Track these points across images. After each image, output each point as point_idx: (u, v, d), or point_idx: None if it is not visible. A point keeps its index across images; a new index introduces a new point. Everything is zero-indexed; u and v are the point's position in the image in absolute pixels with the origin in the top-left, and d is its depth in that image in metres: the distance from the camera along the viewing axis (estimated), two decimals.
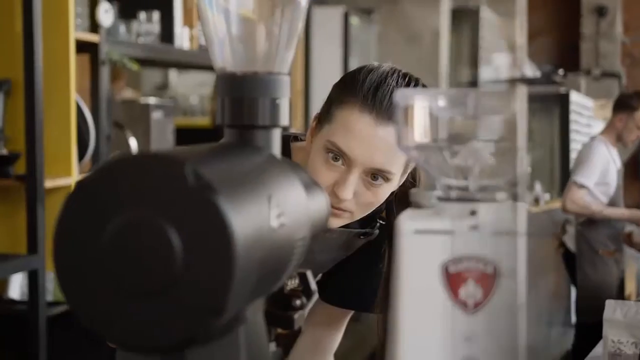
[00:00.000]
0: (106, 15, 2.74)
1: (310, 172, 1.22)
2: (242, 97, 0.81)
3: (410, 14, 5.73)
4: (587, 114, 7.64)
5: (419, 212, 0.78)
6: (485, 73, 7.28)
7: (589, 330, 4.30)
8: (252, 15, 0.83)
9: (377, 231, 1.38)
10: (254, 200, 0.68)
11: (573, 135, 7.16)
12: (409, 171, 1.30)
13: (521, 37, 5.54)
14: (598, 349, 2.27)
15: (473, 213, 0.69)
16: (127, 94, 4.40)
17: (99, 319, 0.62)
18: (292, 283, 0.83)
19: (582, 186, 4.17)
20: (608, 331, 1.86)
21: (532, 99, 5.89)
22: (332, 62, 5.42)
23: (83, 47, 2.72)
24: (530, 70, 5.63)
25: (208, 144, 0.81)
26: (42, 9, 2.48)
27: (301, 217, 0.79)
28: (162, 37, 3.19)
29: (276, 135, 0.83)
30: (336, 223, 1.27)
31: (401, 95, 0.72)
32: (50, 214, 2.47)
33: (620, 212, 4.32)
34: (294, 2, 0.84)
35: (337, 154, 1.22)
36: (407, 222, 0.70)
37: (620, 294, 4.36)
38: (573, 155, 7.12)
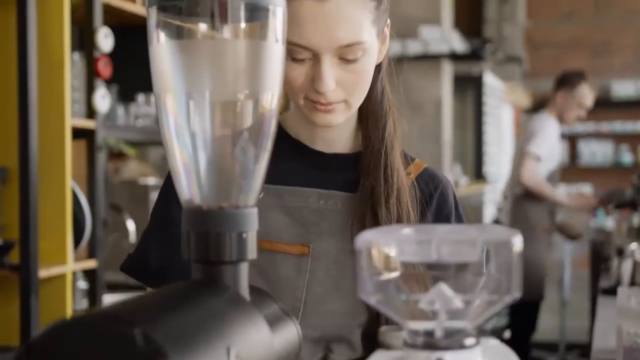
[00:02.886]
0: (103, 101, 2.75)
1: (286, 87, 1.13)
2: (208, 232, 0.80)
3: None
4: (498, 96, 7.70)
5: (388, 355, 0.76)
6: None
7: (520, 308, 4.28)
8: (218, 149, 0.82)
9: None
10: (211, 355, 0.66)
11: (485, 118, 7.21)
12: (387, 27, 1.21)
13: (446, 8, 5.56)
14: (609, 342, 2.07)
15: None
16: (132, 166, 4.40)
17: None
18: None
19: (537, 157, 4.18)
20: (623, 322, 1.68)
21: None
22: None
23: (80, 133, 2.73)
24: (459, 44, 5.63)
25: (171, 287, 0.79)
26: (38, 96, 2.49)
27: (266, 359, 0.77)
28: None
29: (243, 269, 0.81)
30: (335, 119, 1.17)
31: (362, 240, 0.71)
32: (45, 304, 2.45)
33: (558, 196, 4.33)
34: (260, 136, 0.83)
35: (299, 52, 1.11)
36: None
37: (541, 280, 4.37)
38: (486, 138, 7.18)
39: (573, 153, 10.03)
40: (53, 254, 2.57)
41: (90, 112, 2.77)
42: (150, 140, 3.26)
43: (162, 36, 0.80)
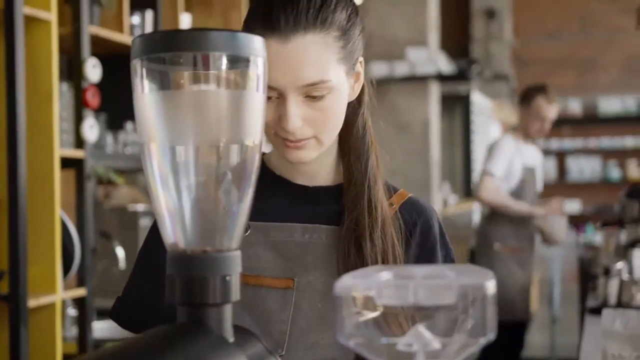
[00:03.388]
0: (91, 130, 2.77)
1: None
2: (193, 275, 0.82)
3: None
4: (486, 115, 7.74)
5: None
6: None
7: (507, 329, 4.26)
8: (201, 194, 0.84)
9: None
10: None
11: (473, 136, 7.25)
12: (360, 64, 1.22)
13: (433, 30, 5.60)
14: None
15: None
16: (123, 191, 4.41)
17: None
18: None
19: (492, 174, 4.20)
20: (608, 344, 1.71)
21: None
22: None
23: (68, 163, 2.74)
24: (446, 65, 5.66)
25: (155, 331, 0.81)
26: (27, 126, 2.51)
27: None
28: None
29: (227, 311, 0.83)
30: (306, 155, 1.19)
31: (341, 285, 0.73)
32: (34, 333, 2.45)
33: (525, 207, 4.29)
34: (243, 180, 0.85)
35: (270, 93, 1.14)
36: None
37: (524, 299, 4.33)
38: (474, 156, 7.23)
39: (561, 169, 10.10)
40: (42, 283, 2.58)
41: (79, 142, 2.78)
42: (139, 167, 3.28)
43: (147, 86, 0.82)
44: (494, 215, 4.28)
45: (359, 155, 1.26)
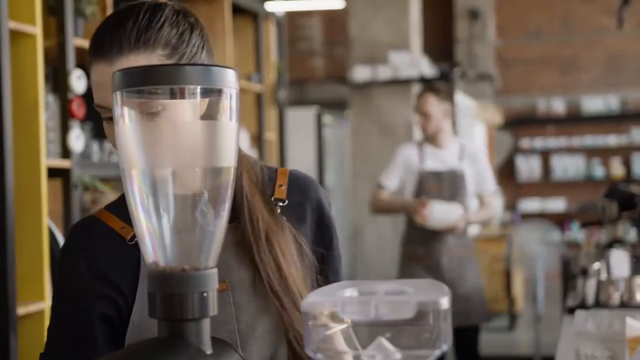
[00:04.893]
0: (77, 141, 2.82)
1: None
2: (172, 292, 0.88)
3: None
4: (470, 115, 7.80)
5: None
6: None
7: (460, 333, 4.22)
8: (179, 216, 0.90)
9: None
10: None
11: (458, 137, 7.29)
12: None
13: (415, 33, 5.64)
14: None
15: None
16: (110, 198, 4.46)
17: None
18: None
19: (380, 186, 4.15)
20: (580, 345, 1.73)
21: None
22: (307, 159, 5.57)
23: (55, 172, 2.79)
24: (428, 69, 5.66)
25: (137, 345, 0.87)
26: (14, 137, 2.56)
27: None
28: None
29: (205, 325, 0.89)
30: None
31: (307, 302, 0.79)
32: (23, 341, 2.50)
33: (399, 200, 4.16)
34: (218, 202, 0.91)
35: (105, 112, 1.20)
36: None
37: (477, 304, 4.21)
38: None
39: (546, 168, 10.21)
40: (31, 291, 2.63)
41: (65, 152, 2.83)
42: None
43: (127, 117, 0.88)
44: (406, 228, 4.20)
45: None
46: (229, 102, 0.89)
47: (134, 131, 0.89)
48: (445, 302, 0.78)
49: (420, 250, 4.13)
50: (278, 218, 1.28)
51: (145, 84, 0.88)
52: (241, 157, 1.29)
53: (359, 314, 0.79)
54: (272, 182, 1.32)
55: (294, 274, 1.25)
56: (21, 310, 2.56)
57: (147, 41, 1.18)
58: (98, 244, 1.25)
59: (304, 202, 1.33)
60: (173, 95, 0.88)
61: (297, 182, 1.34)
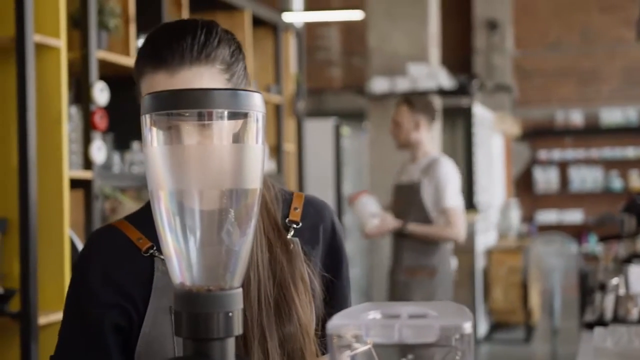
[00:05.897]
0: (99, 152, 2.85)
1: None
2: (198, 312, 0.89)
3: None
4: (488, 126, 7.78)
5: None
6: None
7: None
8: (206, 238, 0.92)
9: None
10: None
11: (475, 148, 7.29)
12: None
13: (433, 45, 5.63)
14: None
15: None
16: (129, 207, 4.49)
17: None
18: None
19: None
20: None
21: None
22: (325, 170, 5.58)
23: (77, 183, 2.83)
24: (446, 81, 5.65)
25: None
26: (37, 149, 2.59)
27: None
28: None
29: (230, 344, 0.91)
30: None
31: (332, 325, 0.80)
32: (44, 350, 2.53)
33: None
34: (244, 223, 0.92)
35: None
36: None
37: None
38: (476, 168, 7.25)
39: (564, 179, 10.16)
40: (52, 301, 2.66)
41: (87, 163, 2.87)
42: (145, 185, 3.36)
43: (155, 140, 0.90)
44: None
45: None
46: (256, 125, 0.91)
47: (162, 154, 0.90)
48: (468, 327, 0.79)
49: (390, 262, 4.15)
50: (287, 240, 1.29)
51: (174, 107, 0.89)
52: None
53: (383, 337, 0.80)
54: (287, 204, 1.34)
55: (294, 297, 1.26)
56: (42, 319, 2.58)
57: (208, 55, 1.21)
58: (114, 254, 1.27)
59: (317, 226, 1.35)
60: (201, 118, 0.90)
61: (312, 206, 1.37)
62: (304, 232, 1.33)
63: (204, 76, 1.20)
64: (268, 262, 1.27)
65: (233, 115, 0.89)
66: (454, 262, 4.15)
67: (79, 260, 1.30)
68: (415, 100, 4.17)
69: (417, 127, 4.00)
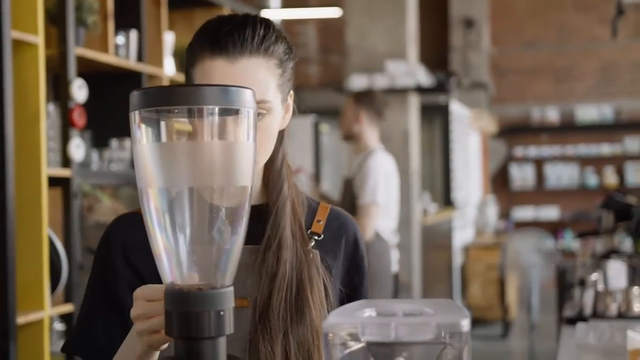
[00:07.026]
0: (77, 150, 2.82)
1: None
2: (189, 311, 0.88)
3: None
4: (465, 123, 7.83)
5: None
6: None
7: None
8: (196, 236, 0.91)
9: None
10: None
11: (452, 145, 7.34)
12: (290, 97, 1.30)
13: (412, 43, 5.65)
14: None
15: None
16: (106, 205, 4.44)
17: None
18: None
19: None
20: (581, 357, 1.76)
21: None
22: (304, 167, 5.56)
23: (55, 181, 2.79)
24: (424, 78, 5.69)
25: None
26: (15, 146, 2.56)
27: None
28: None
29: (222, 343, 0.89)
30: None
31: (327, 324, 0.79)
32: (23, 349, 2.50)
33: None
34: (234, 221, 0.91)
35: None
36: None
37: None
38: (454, 165, 7.30)
39: (540, 176, 10.22)
40: (31, 300, 2.62)
41: (65, 161, 2.83)
42: (124, 183, 3.33)
43: (144, 137, 0.88)
44: None
45: (275, 185, 1.30)
46: (247, 122, 0.89)
47: (151, 151, 0.89)
48: (465, 324, 0.78)
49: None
50: (308, 250, 1.29)
51: (163, 104, 0.88)
52: (291, 185, 1.31)
53: (379, 335, 0.79)
54: (311, 214, 1.34)
55: (309, 298, 1.25)
56: (21, 319, 2.55)
57: (267, 49, 1.22)
58: (134, 239, 1.25)
59: (339, 239, 1.35)
60: (191, 115, 0.89)
61: (336, 219, 1.36)
62: (325, 244, 1.32)
63: (262, 67, 1.21)
64: (293, 259, 1.26)
65: (223, 112, 0.88)
66: (394, 258, 4.08)
67: (102, 243, 1.29)
68: (361, 94, 4.22)
69: (358, 120, 4.02)
